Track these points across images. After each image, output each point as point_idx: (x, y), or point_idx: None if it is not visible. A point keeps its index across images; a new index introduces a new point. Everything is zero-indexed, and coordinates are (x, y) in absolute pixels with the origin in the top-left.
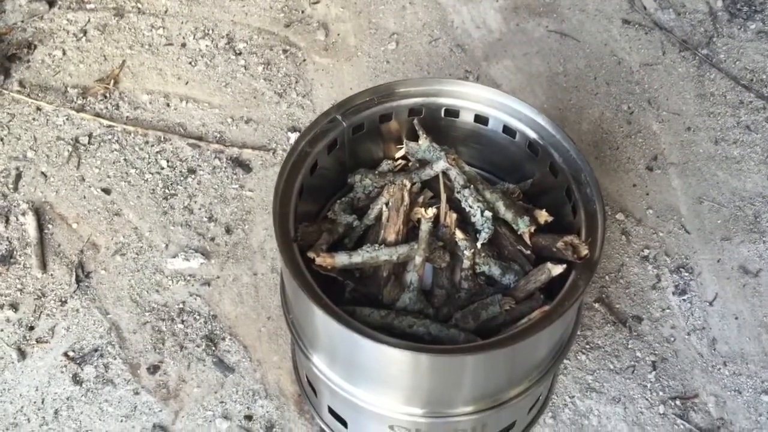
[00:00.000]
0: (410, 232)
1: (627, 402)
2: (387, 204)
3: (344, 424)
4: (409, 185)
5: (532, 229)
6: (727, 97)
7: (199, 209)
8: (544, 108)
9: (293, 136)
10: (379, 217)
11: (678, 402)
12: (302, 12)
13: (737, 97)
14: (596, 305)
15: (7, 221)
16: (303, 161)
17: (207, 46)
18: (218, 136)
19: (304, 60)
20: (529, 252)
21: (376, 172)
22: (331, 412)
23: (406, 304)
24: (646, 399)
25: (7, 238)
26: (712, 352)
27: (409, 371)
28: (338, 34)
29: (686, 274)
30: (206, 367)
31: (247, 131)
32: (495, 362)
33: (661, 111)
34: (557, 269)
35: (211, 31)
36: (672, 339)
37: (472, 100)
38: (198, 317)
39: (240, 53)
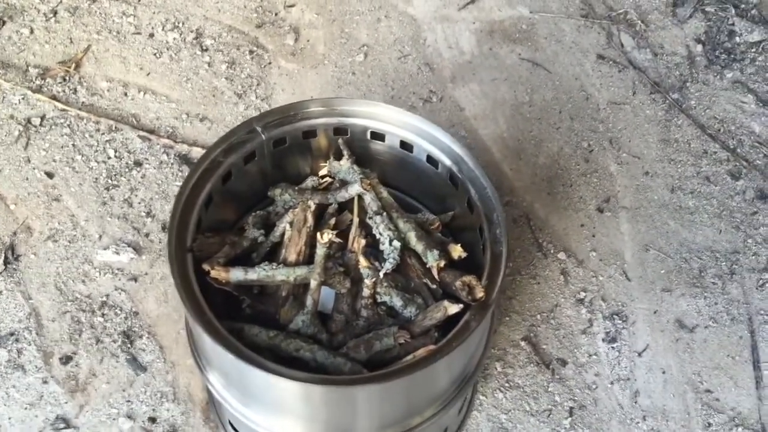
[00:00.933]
0: (313, 254)
1: None
2: (291, 223)
3: None
4: (312, 206)
5: (442, 263)
6: (691, 145)
7: (139, 203)
8: (503, 137)
9: None
10: (283, 235)
11: None
12: (276, 14)
13: (702, 146)
14: (522, 343)
15: None
16: (214, 170)
17: (174, 39)
18: (170, 131)
19: (270, 63)
20: (435, 286)
21: (297, 188)
22: (232, 426)
23: (299, 327)
24: None
25: None
26: (633, 405)
27: (297, 399)
28: (308, 40)
29: (620, 321)
30: (119, 363)
31: (201, 129)
32: (380, 394)
33: (621, 152)
34: (453, 308)
35: (181, 24)
36: (594, 386)
37: (397, 125)
38: (119, 312)
39: (206, 49)
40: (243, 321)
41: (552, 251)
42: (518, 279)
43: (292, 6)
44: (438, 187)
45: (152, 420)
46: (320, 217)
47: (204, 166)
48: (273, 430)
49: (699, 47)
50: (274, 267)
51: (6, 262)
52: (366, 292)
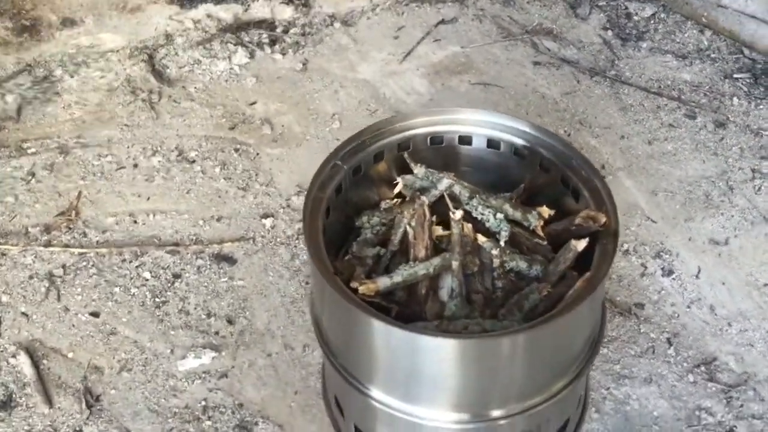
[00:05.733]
0: (436, 248)
1: (658, 379)
2: (410, 224)
3: None
4: (427, 201)
5: (542, 222)
6: (645, 105)
7: (195, 309)
8: None
9: (268, 222)
10: (402, 240)
11: (703, 368)
12: (243, 114)
13: (653, 103)
14: None
15: None
16: (319, 206)
17: (159, 161)
18: (194, 238)
19: (258, 154)
20: (545, 243)
21: (382, 209)
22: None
23: (453, 312)
24: (674, 373)
25: (2, 383)
26: (714, 317)
27: (468, 364)
28: (282, 125)
29: (667, 256)
30: None
31: (221, 228)
32: (548, 340)
33: (593, 128)
34: (581, 244)
35: (159, 148)
36: (676, 315)
37: (455, 123)
38: (224, 410)
39: (194, 161)
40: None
41: None
42: None
43: (254, 103)
44: (499, 170)
45: None
46: None
47: (311, 204)
48: (435, 417)
49: (609, 33)
50: (412, 266)
51: (89, 406)
52: (496, 262)
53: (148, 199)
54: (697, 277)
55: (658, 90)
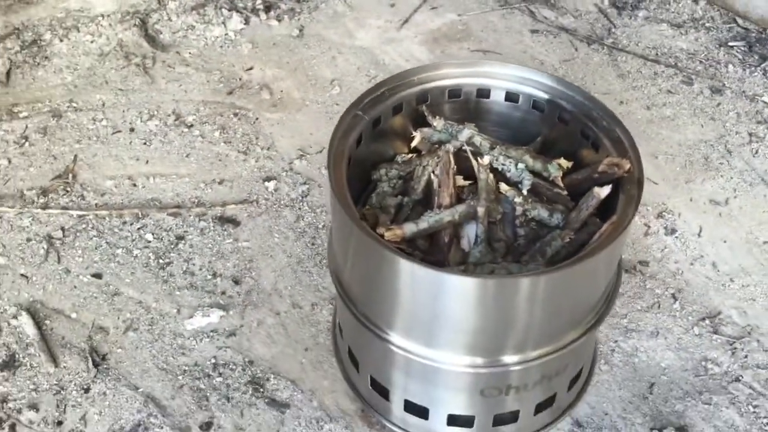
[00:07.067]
0: (459, 195)
1: (665, 333)
2: (434, 173)
3: (424, 413)
4: (452, 149)
5: (561, 173)
6: (643, 72)
7: (200, 270)
8: None
9: (271, 185)
10: (425, 189)
11: (707, 321)
12: (239, 79)
13: (650, 70)
14: None
15: None
16: (342, 154)
17: (156, 125)
18: (196, 200)
19: (257, 118)
20: (565, 193)
21: (400, 161)
22: (408, 406)
23: (477, 258)
24: (680, 326)
25: (3, 344)
26: (717, 273)
27: (491, 304)
28: (281, 91)
29: (669, 216)
30: (260, 410)
31: (224, 191)
32: (571, 282)
33: (593, 93)
34: (605, 191)
35: (156, 113)
36: (680, 272)
37: (474, 76)
38: (234, 367)
39: (191, 125)
40: None
41: None
42: None
43: (250, 69)
44: (515, 124)
45: None
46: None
47: (334, 154)
48: (460, 362)
49: (605, 2)
50: (438, 212)
51: (96, 365)
52: (518, 210)
53: (147, 162)
54: (699, 235)
55: (655, 57)
